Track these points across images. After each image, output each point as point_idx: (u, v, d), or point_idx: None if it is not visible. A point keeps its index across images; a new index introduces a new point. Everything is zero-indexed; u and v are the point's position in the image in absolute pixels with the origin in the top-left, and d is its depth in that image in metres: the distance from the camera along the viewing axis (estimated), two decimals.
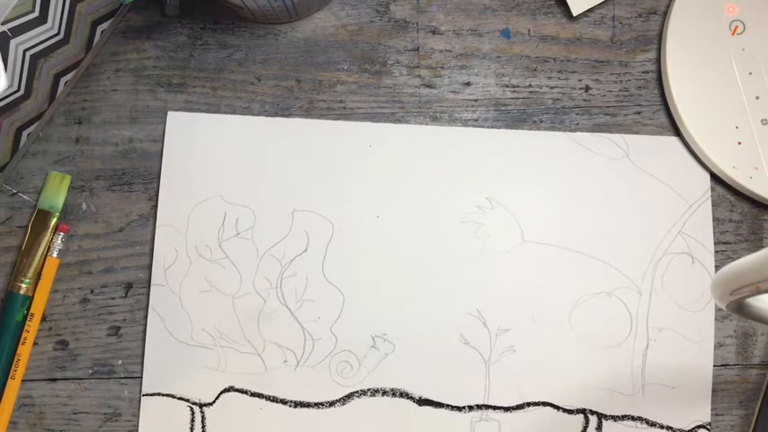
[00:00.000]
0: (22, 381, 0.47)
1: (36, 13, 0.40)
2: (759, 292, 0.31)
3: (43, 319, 0.48)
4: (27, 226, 0.48)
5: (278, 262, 0.48)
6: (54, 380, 0.48)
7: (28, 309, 0.47)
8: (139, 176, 0.49)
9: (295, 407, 0.48)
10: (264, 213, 0.49)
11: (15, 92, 0.42)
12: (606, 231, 0.49)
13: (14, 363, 0.47)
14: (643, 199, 0.50)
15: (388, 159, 0.49)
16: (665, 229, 0.49)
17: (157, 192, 0.49)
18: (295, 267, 0.48)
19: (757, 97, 0.49)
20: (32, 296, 0.47)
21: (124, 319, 0.48)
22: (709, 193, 0.50)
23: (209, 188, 0.49)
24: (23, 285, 0.47)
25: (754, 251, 0.31)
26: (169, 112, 0.49)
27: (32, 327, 0.47)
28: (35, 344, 0.48)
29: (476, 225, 0.49)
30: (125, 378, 0.48)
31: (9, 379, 0.47)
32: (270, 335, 0.48)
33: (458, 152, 0.50)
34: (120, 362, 0.48)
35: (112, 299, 0.48)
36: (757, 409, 0.48)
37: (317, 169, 0.49)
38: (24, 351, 0.47)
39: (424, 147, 0.50)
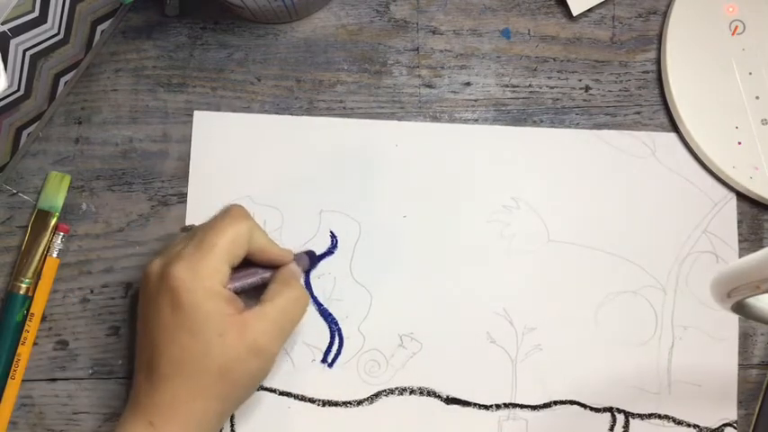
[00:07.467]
0: (22, 381, 0.47)
1: (36, 13, 0.40)
2: (759, 291, 0.31)
3: (43, 319, 0.48)
4: (27, 226, 0.48)
5: None
6: (54, 380, 0.48)
7: (28, 309, 0.47)
8: (139, 176, 0.49)
9: (323, 406, 0.47)
10: (292, 214, 0.49)
11: (15, 92, 0.42)
12: (632, 230, 0.49)
13: (14, 363, 0.47)
14: (668, 197, 0.49)
15: (415, 158, 0.49)
16: (690, 227, 0.49)
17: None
18: (323, 267, 0.48)
19: (757, 97, 0.49)
20: (32, 296, 0.47)
21: (124, 319, 0.48)
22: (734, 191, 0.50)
23: (237, 189, 0.49)
24: (23, 285, 0.47)
25: (754, 251, 0.31)
26: (195, 112, 0.49)
27: (32, 327, 0.47)
28: (35, 344, 0.48)
29: (501, 224, 0.49)
30: (125, 378, 0.48)
31: (9, 379, 0.46)
32: (298, 334, 0.48)
33: (483, 151, 0.50)
34: (120, 362, 0.48)
35: (112, 299, 0.48)
36: (757, 409, 0.48)
37: (344, 169, 0.49)
38: (24, 351, 0.47)
39: (450, 145, 0.50)
